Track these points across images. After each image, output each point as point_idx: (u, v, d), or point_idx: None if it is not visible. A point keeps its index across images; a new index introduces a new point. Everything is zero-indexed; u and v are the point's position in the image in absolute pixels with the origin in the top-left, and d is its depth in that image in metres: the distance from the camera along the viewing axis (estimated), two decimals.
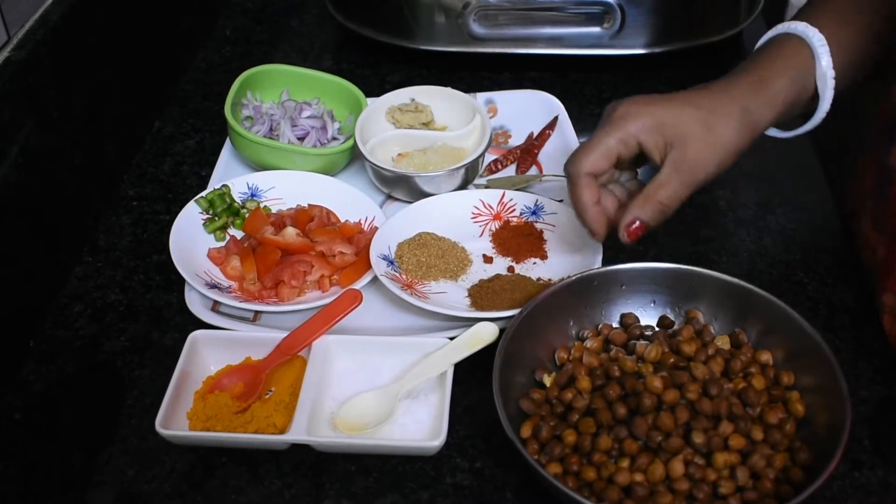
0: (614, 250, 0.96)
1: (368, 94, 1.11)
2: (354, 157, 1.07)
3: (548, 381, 0.80)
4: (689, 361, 0.79)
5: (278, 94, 1.13)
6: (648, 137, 0.82)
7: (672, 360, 0.79)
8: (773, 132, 0.90)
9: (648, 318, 0.86)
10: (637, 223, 0.82)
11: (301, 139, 1.09)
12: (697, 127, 0.81)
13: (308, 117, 1.10)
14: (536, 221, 0.99)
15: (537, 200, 1.00)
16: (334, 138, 1.10)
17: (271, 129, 1.09)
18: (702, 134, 0.81)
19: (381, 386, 0.83)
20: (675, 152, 0.81)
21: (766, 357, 0.80)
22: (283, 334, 0.85)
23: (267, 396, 0.83)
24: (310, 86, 1.13)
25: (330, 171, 1.05)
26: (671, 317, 0.86)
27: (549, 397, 0.79)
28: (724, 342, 0.82)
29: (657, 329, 0.85)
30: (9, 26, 0.92)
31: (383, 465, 0.79)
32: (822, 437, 0.74)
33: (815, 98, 0.87)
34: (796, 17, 0.88)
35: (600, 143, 0.82)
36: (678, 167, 0.81)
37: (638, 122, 0.82)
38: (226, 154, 1.09)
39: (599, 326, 0.85)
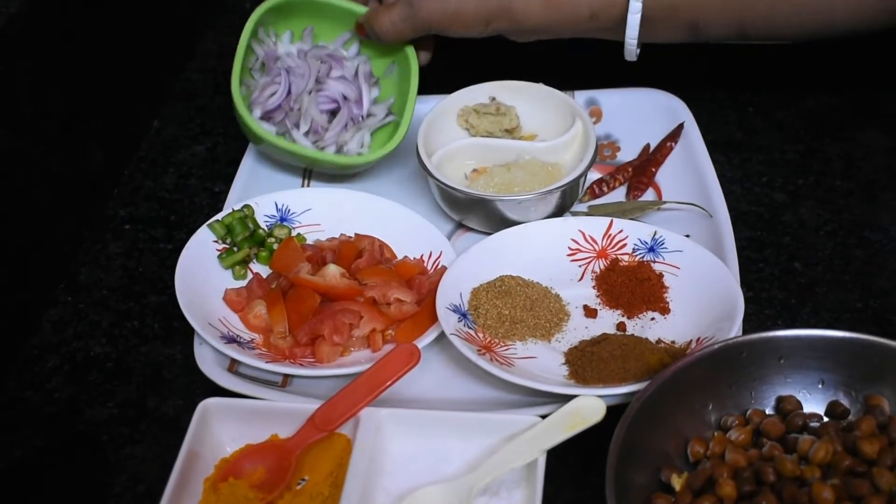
0: (758, 304, 0.96)
1: (431, 87, 1.11)
2: (417, 174, 1.08)
3: (677, 483, 0.79)
4: (870, 466, 0.77)
5: (300, 32, 1.12)
6: None
7: (847, 462, 0.77)
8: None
9: (815, 403, 0.85)
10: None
11: (331, 114, 1.09)
12: None
13: (339, 78, 1.09)
14: (654, 261, 0.98)
15: (655, 234, 0.99)
16: (370, 115, 1.11)
17: (289, 93, 1.08)
18: None
19: (449, 477, 0.83)
20: None
21: None
22: (320, 404, 0.85)
23: (299, 486, 0.83)
24: (341, 22, 1.12)
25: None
26: (846, 403, 0.84)
27: None
28: None
29: (826, 419, 0.84)
30: None
31: None
32: None
33: None
34: None
35: None
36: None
37: None
38: (248, 163, 1.11)
39: (748, 413, 0.84)
